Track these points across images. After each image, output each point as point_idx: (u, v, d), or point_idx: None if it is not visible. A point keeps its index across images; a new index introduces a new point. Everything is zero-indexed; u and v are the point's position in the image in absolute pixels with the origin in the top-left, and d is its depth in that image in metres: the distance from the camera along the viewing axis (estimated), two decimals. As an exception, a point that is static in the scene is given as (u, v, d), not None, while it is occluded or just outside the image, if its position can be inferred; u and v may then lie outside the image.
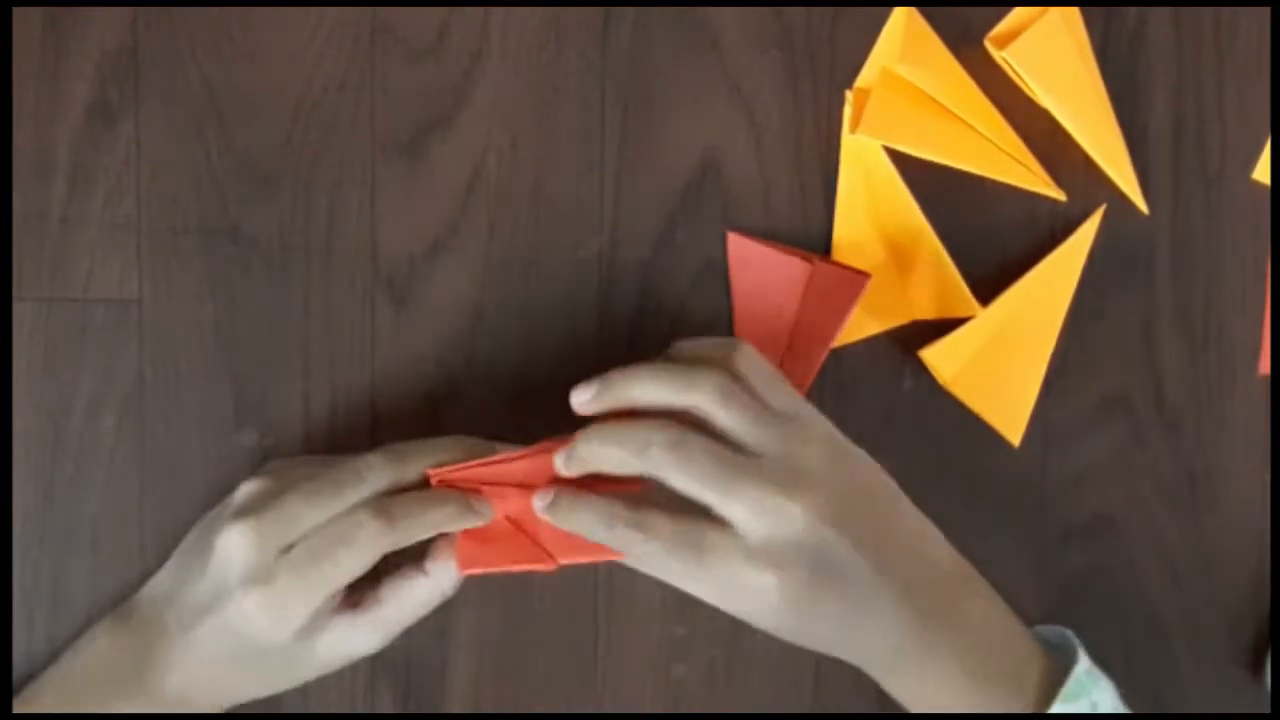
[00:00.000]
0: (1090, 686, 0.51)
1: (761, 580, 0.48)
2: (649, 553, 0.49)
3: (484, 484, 0.52)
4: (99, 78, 0.56)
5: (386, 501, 0.51)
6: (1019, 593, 0.60)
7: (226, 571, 0.50)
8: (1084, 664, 0.52)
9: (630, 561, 0.50)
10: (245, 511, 0.51)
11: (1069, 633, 0.55)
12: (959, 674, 0.50)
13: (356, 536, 0.50)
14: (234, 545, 0.50)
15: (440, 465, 0.52)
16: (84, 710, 0.52)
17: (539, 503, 0.51)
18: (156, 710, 0.52)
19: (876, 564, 0.49)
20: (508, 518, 0.52)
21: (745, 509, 0.48)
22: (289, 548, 0.50)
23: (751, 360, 0.51)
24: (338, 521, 0.50)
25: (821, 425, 0.51)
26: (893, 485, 0.52)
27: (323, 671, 0.53)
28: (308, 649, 0.51)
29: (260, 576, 0.50)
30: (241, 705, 0.54)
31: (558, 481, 0.51)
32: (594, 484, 0.51)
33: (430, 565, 0.52)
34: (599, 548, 0.50)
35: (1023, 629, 0.52)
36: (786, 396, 0.51)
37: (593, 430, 0.50)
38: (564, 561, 0.52)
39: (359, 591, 0.52)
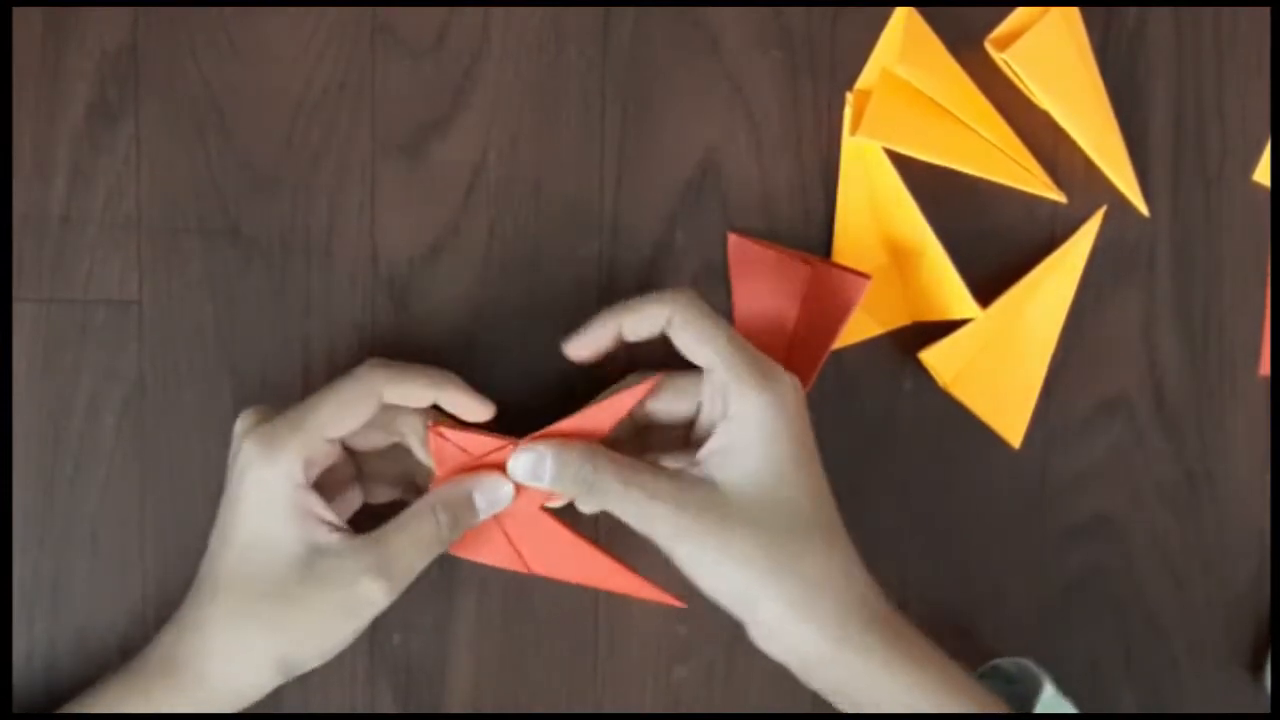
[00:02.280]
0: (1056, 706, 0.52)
1: (784, 375, 0.50)
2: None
3: (475, 455, 0.52)
4: (99, 78, 0.56)
5: (390, 361, 0.52)
6: (1019, 593, 0.60)
7: (235, 441, 0.51)
8: (1049, 690, 0.52)
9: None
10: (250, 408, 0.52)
11: (1029, 663, 0.55)
12: (900, 686, 0.50)
13: (359, 373, 0.51)
14: (241, 419, 0.51)
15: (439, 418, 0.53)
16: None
17: (514, 465, 0.51)
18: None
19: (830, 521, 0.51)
20: (495, 517, 0.52)
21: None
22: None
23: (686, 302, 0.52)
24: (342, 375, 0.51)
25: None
26: None
27: (335, 624, 0.50)
28: (314, 572, 0.49)
29: (263, 418, 0.50)
30: (256, 704, 0.53)
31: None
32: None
33: (433, 497, 0.51)
34: (574, 565, 0.52)
35: (969, 682, 0.52)
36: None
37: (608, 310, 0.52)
38: (538, 571, 0.52)
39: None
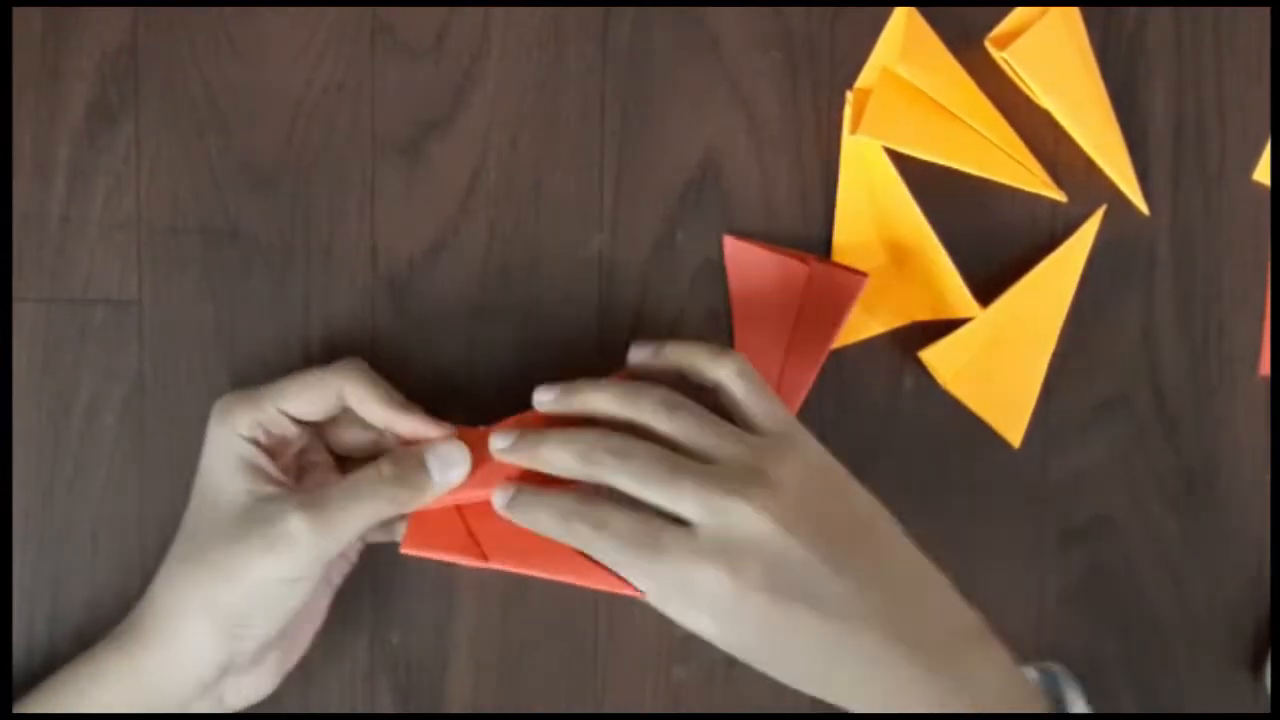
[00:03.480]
0: None
1: (712, 577, 0.46)
2: (604, 550, 0.48)
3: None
4: (99, 78, 0.56)
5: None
6: (1019, 593, 0.60)
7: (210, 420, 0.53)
8: (1079, 707, 0.51)
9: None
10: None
11: (1059, 673, 0.55)
12: None
13: (334, 366, 0.52)
14: (218, 402, 0.53)
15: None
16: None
17: (499, 499, 0.50)
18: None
19: (862, 598, 0.47)
20: (456, 507, 0.52)
21: (693, 505, 0.47)
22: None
23: (737, 371, 0.50)
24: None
25: (811, 448, 0.50)
26: (895, 526, 0.49)
27: (262, 562, 0.49)
28: (249, 515, 0.50)
29: (230, 392, 0.53)
30: (257, 705, 0.54)
31: (518, 478, 0.51)
32: (551, 482, 0.50)
33: (384, 460, 0.51)
34: (536, 558, 0.51)
35: (1035, 692, 0.50)
36: (773, 413, 0.50)
37: (547, 431, 0.50)
38: (496, 563, 0.51)
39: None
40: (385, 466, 0.51)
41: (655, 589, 0.48)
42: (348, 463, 0.55)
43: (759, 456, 0.48)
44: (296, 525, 0.49)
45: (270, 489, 0.51)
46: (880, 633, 0.47)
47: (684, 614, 0.48)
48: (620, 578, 0.49)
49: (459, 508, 0.52)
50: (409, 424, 0.52)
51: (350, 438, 0.54)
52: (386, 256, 0.57)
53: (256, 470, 0.51)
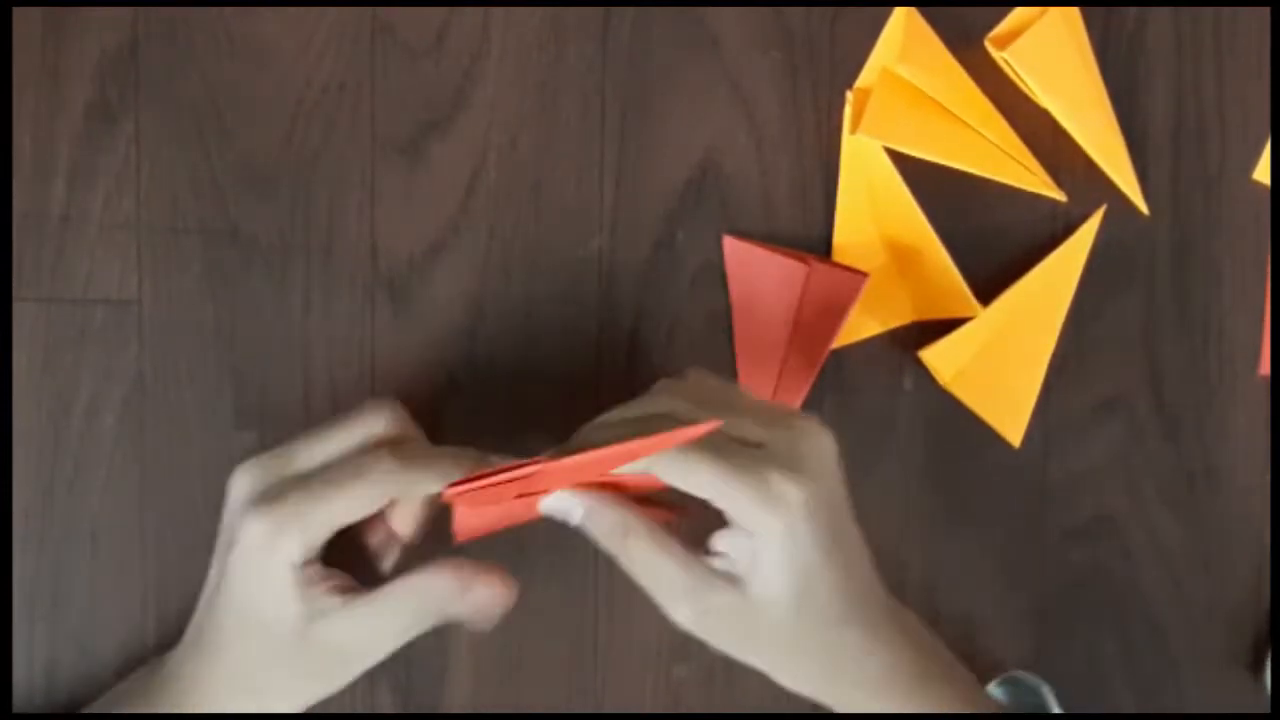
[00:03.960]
0: None
1: (791, 491, 0.46)
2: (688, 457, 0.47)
3: (498, 488, 0.49)
4: (99, 78, 0.56)
5: (400, 447, 0.49)
6: (1019, 593, 0.60)
7: (234, 502, 0.49)
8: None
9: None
10: (252, 459, 0.49)
11: (1030, 678, 0.56)
12: None
13: (372, 469, 0.48)
14: (242, 475, 0.49)
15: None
16: None
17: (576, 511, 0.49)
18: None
19: (865, 606, 0.49)
20: (495, 484, 0.49)
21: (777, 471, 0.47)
22: (299, 479, 0.48)
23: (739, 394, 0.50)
24: (352, 457, 0.49)
25: (827, 436, 0.50)
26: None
27: (330, 683, 0.50)
28: (313, 638, 0.49)
29: (268, 495, 0.48)
30: None
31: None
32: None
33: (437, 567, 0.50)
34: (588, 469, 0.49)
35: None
36: (788, 417, 0.50)
37: (590, 429, 0.49)
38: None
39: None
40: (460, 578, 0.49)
41: (726, 494, 0.47)
42: None
43: (794, 435, 0.48)
44: (369, 642, 0.49)
45: (330, 603, 0.48)
46: (883, 631, 0.49)
47: (757, 522, 0.47)
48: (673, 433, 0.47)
49: (497, 484, 0.49)
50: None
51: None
52: (386, 256, 0.57)
53: (310, 590, 0.48)
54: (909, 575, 0.60)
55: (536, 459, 0.47)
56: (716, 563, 0.48)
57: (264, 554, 0.47)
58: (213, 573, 0.50)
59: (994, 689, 0.59)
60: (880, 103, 0.57)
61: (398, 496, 0.49)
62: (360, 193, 0.57)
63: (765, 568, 0.47)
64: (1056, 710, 0.57)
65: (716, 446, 0.47)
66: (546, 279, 0.58)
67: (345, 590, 0.49)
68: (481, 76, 0.58)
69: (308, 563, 0.48)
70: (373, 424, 0.50)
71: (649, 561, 0.48)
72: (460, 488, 0.49)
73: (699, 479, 0.47)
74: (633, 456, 0.47)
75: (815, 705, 0.49)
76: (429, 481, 0.49)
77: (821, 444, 0.48)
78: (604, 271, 0.58)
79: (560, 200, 0.58)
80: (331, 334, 0.57)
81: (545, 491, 0.49)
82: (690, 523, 0.50)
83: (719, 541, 0.48)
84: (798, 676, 0.49)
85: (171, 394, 0.57)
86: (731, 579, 0.47)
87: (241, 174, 0.57)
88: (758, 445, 0.47)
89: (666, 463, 0.47)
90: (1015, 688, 0.59)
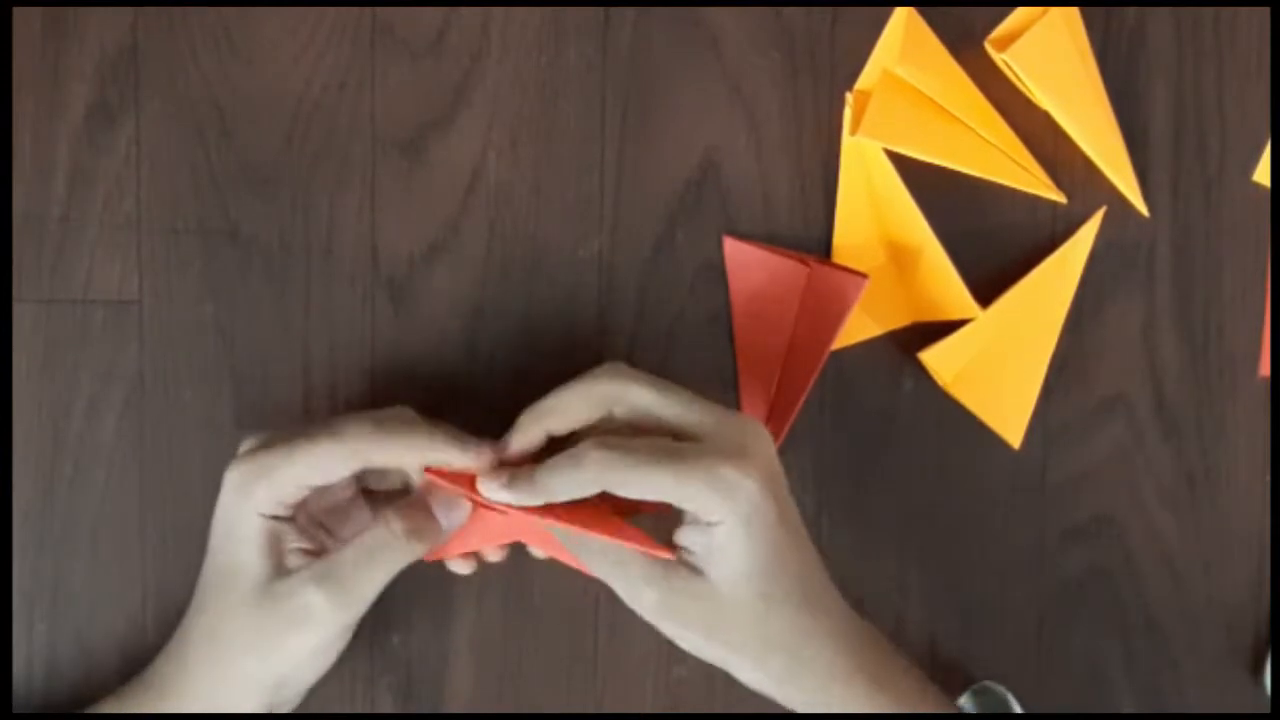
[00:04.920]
0: None
1: (743, 480, 0.47)
2: (633, 464, 0.48)
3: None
4: (99, 78, 0.56)
5: (383, 418, 0.51)
6: (1019, 593, 0.60)
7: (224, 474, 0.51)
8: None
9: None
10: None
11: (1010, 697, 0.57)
12: None
13: (346, 430, 0.50)
14: (242, 445, 0.51)
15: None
16: None
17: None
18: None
19: (824, 595, 0.51)
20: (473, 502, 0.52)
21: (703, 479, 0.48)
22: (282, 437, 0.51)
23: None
24: (334, 420, 0.51)
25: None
26: None
27: (291, 638, 0.50)
28: (270, 590, 0.50)
29: (251, 449, 0.51)
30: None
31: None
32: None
33: (389, 510, 0.51)
34: (555, 543, 0.52)
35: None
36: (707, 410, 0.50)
37: (540, 465, 0.49)
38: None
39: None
40: (395, 523, 0.51)
41: (681, 493, 0.48)
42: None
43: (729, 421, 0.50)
44: (315, 601, 0.49)
45: (291, 561, 0.50)
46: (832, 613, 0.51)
47: (715, 511, 0.48)
48: (647, 539, 0.50)
49: (475, 502, 0.51)
50: (446, 457, 0.51)
51: (385, 481, 0.54)
52: (386, 256, 0.57)
53: (275, 545, 0.50)
54: (908, 576, 0.60)
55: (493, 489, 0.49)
56: (683, 556, 0.49)
57: (236, 502, 0.50)
58: (209, 539, 0.52)
59: (964, 701, 0.59)
60: (880, 104, 0.57)
61: (371, 463, 0.50)
62: (360, 193, 0.57)
63: (726, 551, 0.48)
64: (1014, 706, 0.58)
65: (662, 450, 0.48)
66: (546, 279, 0.58)
67: (307, 554, 0.51)
68: (481, 76, 0.58)
69: (279, 518, 0.50)
70: (377, 413, 0.51)
71: (608, 553, 0.49)
72: (438, 471, 0.51)
73: (655, 485, 0.48)
74: (588, 531, 0.49)
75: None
76: (401, 451, 0.50)
77: (761, 435, 0.50)
78: (604, 271, 0.58)
79: (560, 200, 0.58)
80: (331, 334, 0.57)
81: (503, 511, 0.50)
82: (650, 521, 0.51)
83: (679, 537, 0.50)
84: (764, 670, 0.50)
85: (171, 394, 0.57)
86: (693, 568, 0.49)
87: (241, 174, 0.57)
88: (695, 439, 0.49)
89: (619, 477, 0.48)
90: (984, 697, 0.59)
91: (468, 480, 0.50)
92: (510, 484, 0.49)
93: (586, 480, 0.48)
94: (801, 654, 0.49)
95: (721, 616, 0.49)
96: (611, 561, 0.49)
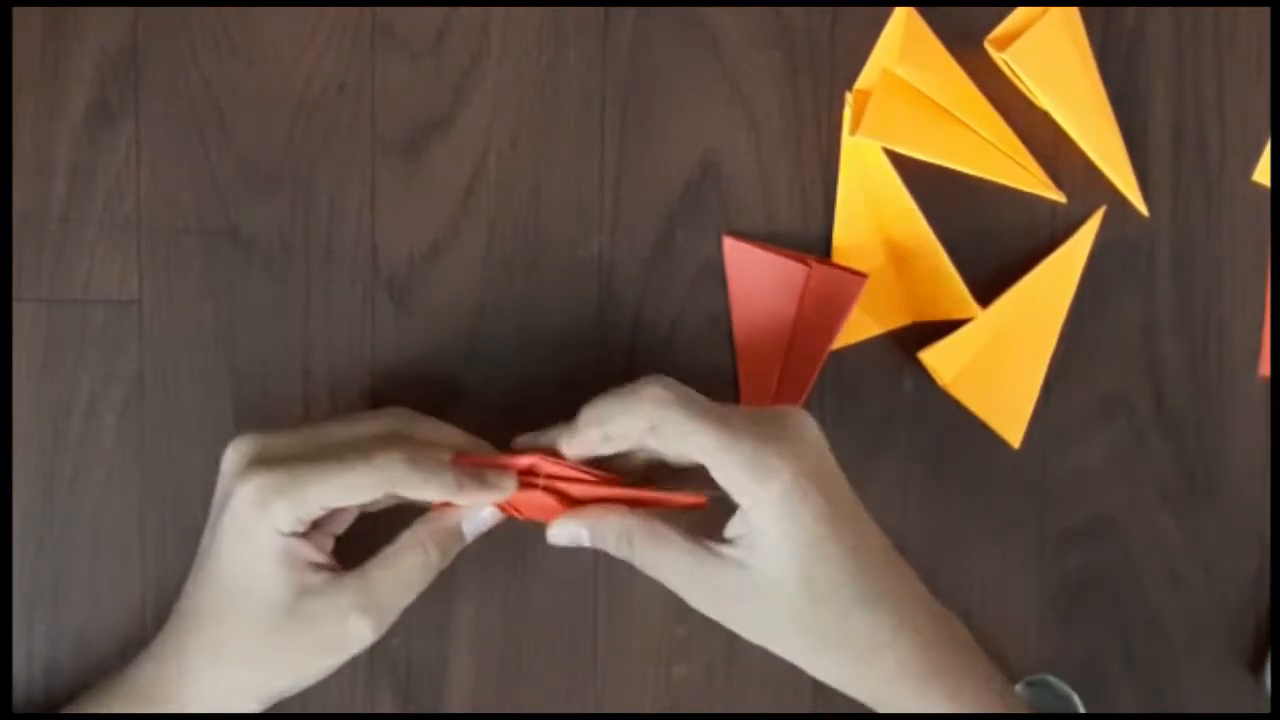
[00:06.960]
0: None
1: (781, 466, 0.47)
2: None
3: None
4: (99, 78, 0.56)
5: (413, 447, 0.50)
6: (1019, 593, 0.60)
7: (229, 464, 0.49)
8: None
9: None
10: (248, 433, 0.50)
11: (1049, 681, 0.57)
12: None
13: (380, 458, 0.48)
14: (238, 444, 0.49)
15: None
16: None
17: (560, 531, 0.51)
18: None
19: (882, 584, 0.49)
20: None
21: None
22: (302, 452, 0.49)
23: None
24: (365, 443, 0.49)
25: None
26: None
27: (319, 660, 0.50)
28: (299, 612, 0.49)
29: (268, 460, 0.48)
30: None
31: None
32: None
33: (422, 530, 0.51)
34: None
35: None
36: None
37: (588, 407, 0.50)
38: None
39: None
40: (431, 549, 0.50)
41: (720, 459, 0.48)
42: None
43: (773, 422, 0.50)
44: (359, 627, 0.49)
45: (315, 579, 0.49)
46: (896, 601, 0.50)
47: (747, 492, 0.48)
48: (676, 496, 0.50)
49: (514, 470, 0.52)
50: (467, 498, 0.50)
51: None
52: (386, 256, 0.57)
53: (294, 562, 0.49)
54: (909, 575, 0.60)
55: (542, 454, 0.51)
56: (727, 550, 0.49)
57: (254, 515, 0.48)
58: (203, 541, 0.50)
59: (1020, 689, 0.58)
60: (880, 104, 0.57)
61: (396, 493, 0.49)
62: (360, 193, 0.57)
63: (766, 544, 0.48)
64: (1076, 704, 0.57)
65: (717, 411, 0.48)
66: (546, 279, 0.58)
67: (326, 569, 0.50)
68: (481, 76, 0.58)
69: (295, 536, 0.49)
70: (386, 422, 0.51)
71: (656, 555, 0.49)
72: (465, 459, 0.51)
73: (699, 441, 0.48)
74: (625, 501, 0.50)
75: (815, 704, 0.49)
76: (430, 489, 0.49)
77: (807, 424, 0.50)
78: (604, 271, 0.58)
79: (560, 200, 0.58)
80: (331, 334, 0.57)
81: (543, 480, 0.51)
82: (697, 515, 0.51)
83: (729, 529, 0.49)
84: (823, 665, 0.49)
85: (171, 394, 0.57)
86: (739, 562, 0.48)
87: (241, 174, 0.57)
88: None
89: (671, 417, 0.48)
90: (1042, 691, 0.58)
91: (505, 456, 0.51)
92: (568, 430, 0.50)
93: (641, 412, 0.48)
94: (859, 652, 0.49)
95: (772, 613, 0.48)
96: (658, 565, 0.49)
